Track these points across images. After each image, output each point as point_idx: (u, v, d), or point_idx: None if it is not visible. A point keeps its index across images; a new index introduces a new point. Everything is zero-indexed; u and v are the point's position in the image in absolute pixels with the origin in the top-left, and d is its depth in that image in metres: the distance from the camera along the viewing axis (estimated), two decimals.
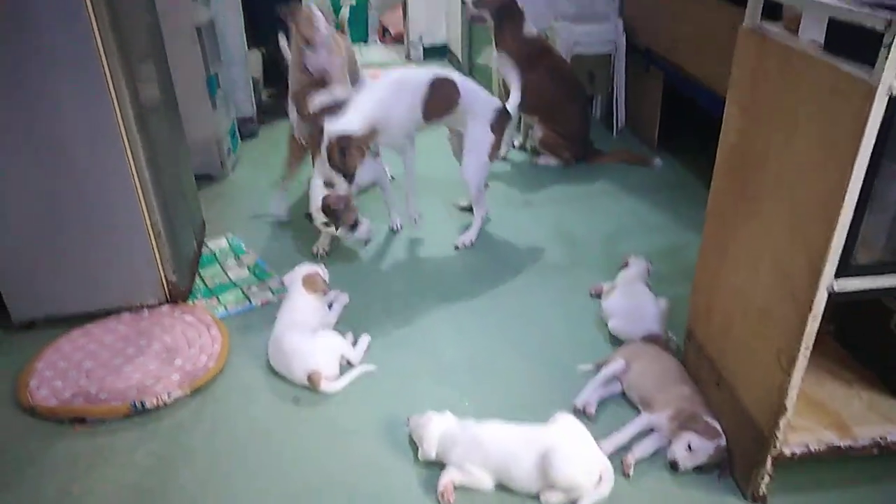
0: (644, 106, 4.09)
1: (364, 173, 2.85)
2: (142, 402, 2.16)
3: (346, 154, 2.62)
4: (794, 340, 1.55)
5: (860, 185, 1.36)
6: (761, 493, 1.78)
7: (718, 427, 1.89)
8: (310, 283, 2.45)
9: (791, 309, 1.56)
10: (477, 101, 2.99)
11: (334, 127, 2.65)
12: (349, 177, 2.70)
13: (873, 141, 1.31)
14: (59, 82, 2.18)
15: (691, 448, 1.86)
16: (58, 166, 2.30)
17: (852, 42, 1.36)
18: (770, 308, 1.66)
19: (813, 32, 1.52)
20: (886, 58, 1.24)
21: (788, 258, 1.57)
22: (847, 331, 2.05)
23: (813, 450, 1.72)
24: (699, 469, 1.89)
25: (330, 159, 2.65)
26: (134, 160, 2.35)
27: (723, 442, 1.87)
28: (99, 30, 2.13)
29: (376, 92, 2.80)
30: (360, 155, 2.67)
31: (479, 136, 2.97)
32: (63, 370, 2.30)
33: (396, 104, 2.80)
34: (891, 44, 1.23)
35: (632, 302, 2.47)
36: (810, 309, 1.50)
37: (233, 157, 3.94)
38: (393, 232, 3.21)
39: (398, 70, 2.98)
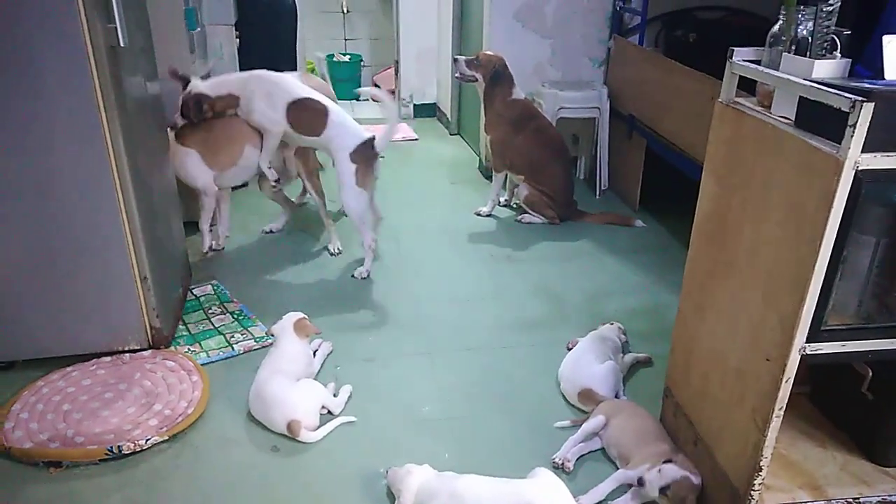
0: (626, 169, 4.22)
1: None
2: (118, 447, 2.13)
3: (196, 107, 3.22)
4: (769, 401, 1.59)
5: (829, 255, 1.43)
6: None
7: (693, 468, 1.93)
8: (301, 327, 2.46)
9: (765, 370, 1.61)
10: (341, 133, 3.19)
11: (197, 87, 3.22)
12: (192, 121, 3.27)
13: (841, 213, 1.39)
14: (55, 127, 2.22)
15: (661, 472, 1.89)
16: (47, 208, 2.32)
17: (821, 119, 1.45)
18: (745, 369, 1.71)
19: (784, 109, 1.61)
20: (852, 136, 1.33)
21: (762, 321, 1.63)
22: (822, 393, 2.10)
23: None
24: None
25: (183, 107, 3.23)
26: (125, 206, 2.38)
27: (694, 479, 1.90)
28: (98, 78, 2.19)
29: (248, 77, 3.31)
30: (208, 110, 3.25)
31: (342, 166, 3.18)
32: (40, 412, 2.28)
33: (260, 93, 3.24)
34: (856, 123, 1.32)
35: (572, 363, 2.53)
36: (783, 371, 1.55)
37: None
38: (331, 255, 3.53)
39: (283, 76, 3.35)
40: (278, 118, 3.24)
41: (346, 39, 7.00)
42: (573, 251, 3.66)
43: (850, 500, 1.76)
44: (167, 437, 2.21)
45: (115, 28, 2.18)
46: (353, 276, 3.30)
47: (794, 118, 1.56)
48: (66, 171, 2.29)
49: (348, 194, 3.19)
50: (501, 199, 4.17)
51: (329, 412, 2.35)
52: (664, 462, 1.93)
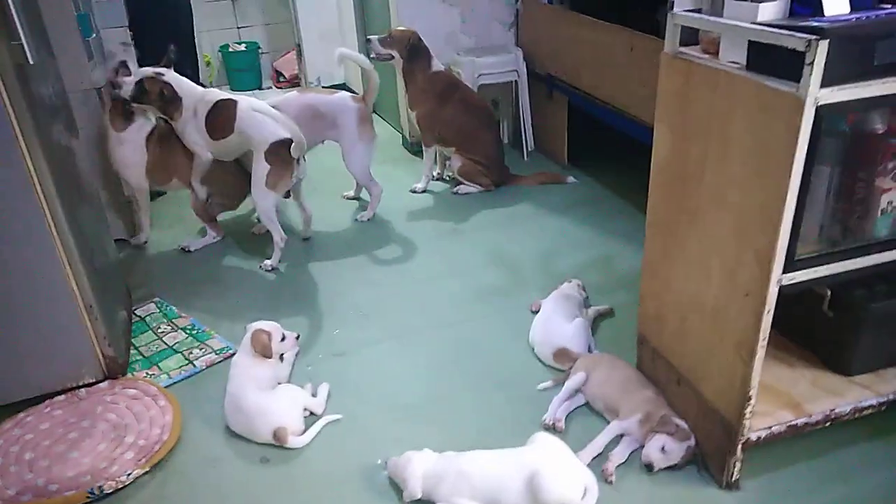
0: (551, 128, 4.28)
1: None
2: (99, 487, 2.02)
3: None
4: (752, 334, 1.68)
5: (798, 189, 1.50)
6: (734, 480, 1.90)
7: (688, 428, 2.00)
8: (256, 341, 2.34)
9: (746, 305, 1.69)
10: (253, 129, 3.12)
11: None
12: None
13: (806, 148, 1.46)
14: None
15: (665, 450, 1.95)
16: None
17: (774, 61, 1.51)
18: (724, 307, 1.78)
19: (733, 54, 1.67)
20: (811, 74, 1.39)
21: (737, 260, 1.70)
22: (784, 317, 2.21)
23: (775, 431, 1.85)
24: (671, 467, 1.99)
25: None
26: (58, 231, 2.21)
27: (693, 442, 1.98)
28: (11, 102, 2.02)
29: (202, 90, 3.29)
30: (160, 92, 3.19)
31: (256, 164, 3.13)
32: (1, 466, 2.13)
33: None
34: (813, 61, 1.38)
35: (542, 325, 2.59)
36: (764, 303, 1.63)
37: None
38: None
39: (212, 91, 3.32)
40: (203, 143, 3.24)
41: (238, 28, 6.70)
42: (514, 215, 3.70)
43: (828, 411, 1.89)
44: (148, 469, 2.11)
45: (21, 45, 2.00)
46: (259, 266, 3.27)
47: (745, 62, 1.62)
48: None
49: (256, 193, 3.16)
50: (434, 174, 4.15)
51: (312, 413, 2.31)
52: (656, 432, 1.98)
